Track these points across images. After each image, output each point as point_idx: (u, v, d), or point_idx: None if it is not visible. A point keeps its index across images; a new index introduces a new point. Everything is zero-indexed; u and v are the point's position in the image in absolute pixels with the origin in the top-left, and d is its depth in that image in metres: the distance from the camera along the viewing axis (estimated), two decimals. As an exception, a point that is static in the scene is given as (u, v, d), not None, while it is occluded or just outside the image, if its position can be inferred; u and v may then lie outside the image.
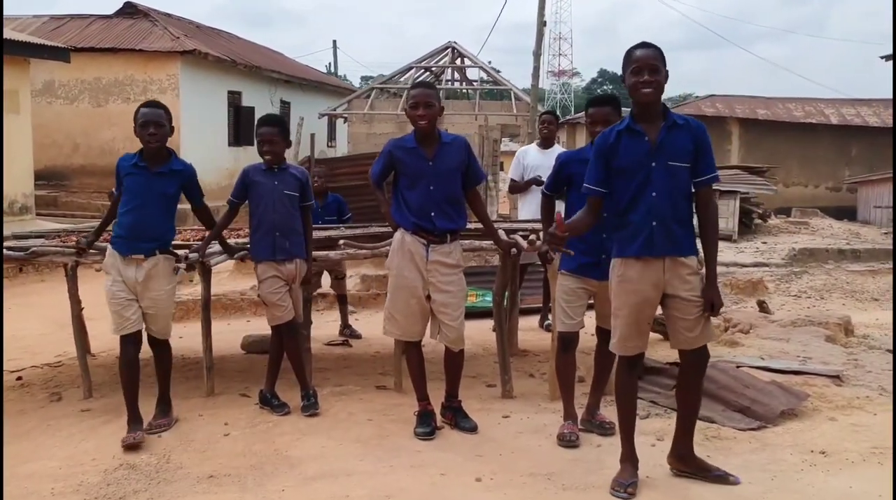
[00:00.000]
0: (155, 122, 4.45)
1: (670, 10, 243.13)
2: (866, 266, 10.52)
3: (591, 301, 4.60)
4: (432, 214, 4.38)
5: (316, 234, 5.42)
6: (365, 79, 56.59)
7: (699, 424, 4.48)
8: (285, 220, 4.86)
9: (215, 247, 5.16)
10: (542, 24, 22.15)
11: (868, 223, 19.03)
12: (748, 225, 13.82)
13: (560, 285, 4.53)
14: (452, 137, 4.55)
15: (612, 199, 3.67)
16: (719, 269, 10.64)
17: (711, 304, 3.58)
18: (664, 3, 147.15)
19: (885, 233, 13.95)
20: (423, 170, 4.39)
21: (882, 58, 17.21)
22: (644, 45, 3.59)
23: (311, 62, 42.49)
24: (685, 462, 3.79)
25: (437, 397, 4.65)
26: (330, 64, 42.58)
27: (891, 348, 6.17)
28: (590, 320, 4.65)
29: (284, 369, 5.04)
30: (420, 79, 23.19)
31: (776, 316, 7.22)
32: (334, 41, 42.95)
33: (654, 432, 4.47)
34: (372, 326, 7.93)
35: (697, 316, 3.60)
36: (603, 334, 4.60)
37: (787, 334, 6.38)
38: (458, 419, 4.57)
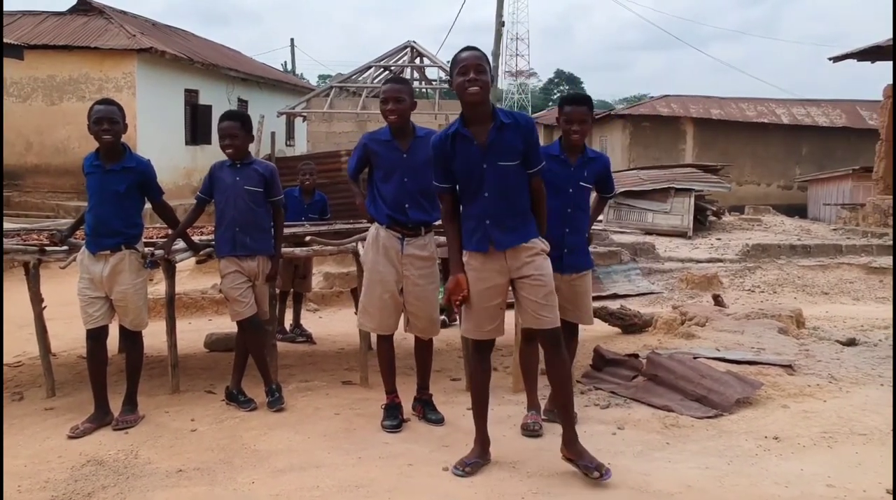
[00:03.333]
0: (108, 118, 4.47)
1: (626, 12, 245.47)
2: (816, 261, 10.84)
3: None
4: (406, 205, 4.46)
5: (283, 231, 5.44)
6: (322, 77, 56.33)
7: (659, 413, 4.66)
8: (245, 215, 4.89)
9: (181, 244, 5.17)
10: (500, 24, 22.31)
11: (818, 220, 19.53)
12: (703, 222, 14.12)
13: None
14: (426, 130, 4.62)
15: (460, 198, 3.85)
16: (675, 264, 10.82)
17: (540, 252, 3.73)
18: (620, 3, 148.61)
19: (834, 229, 14.35)
20: (397, 162, 4.47)
21: (830, 59, 17.61)
22: (469, 48, 3.76)
23: (268, 60, 42.28)
24: (566, 447, 3.83)
25: (402, 392, 4.71)
26: (287, 62, 42.35)
27: (839, 338, 6.39)
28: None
29: (250, 365, 5.07)
30: (379, 78, 23.22)
31: (731, 310, 7.42)
32: (292, 39, 42.86)
33: (615, 421, 4.59)
34: (335, 323, 7.99)
35: (546, 295, 3.78)
36: (566, 326, 4.70)
37: (742, 326, 6.56)
38: (426, 411, 4.66)
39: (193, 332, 7.30)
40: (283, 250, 5.29)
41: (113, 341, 4.94)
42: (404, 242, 4.48)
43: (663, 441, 4.27)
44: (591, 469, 3.70)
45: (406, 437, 4.40)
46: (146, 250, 4.81)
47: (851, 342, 6.30)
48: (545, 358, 3.96)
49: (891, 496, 3.47)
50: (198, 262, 5.88)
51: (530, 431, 4.37)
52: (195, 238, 5.37)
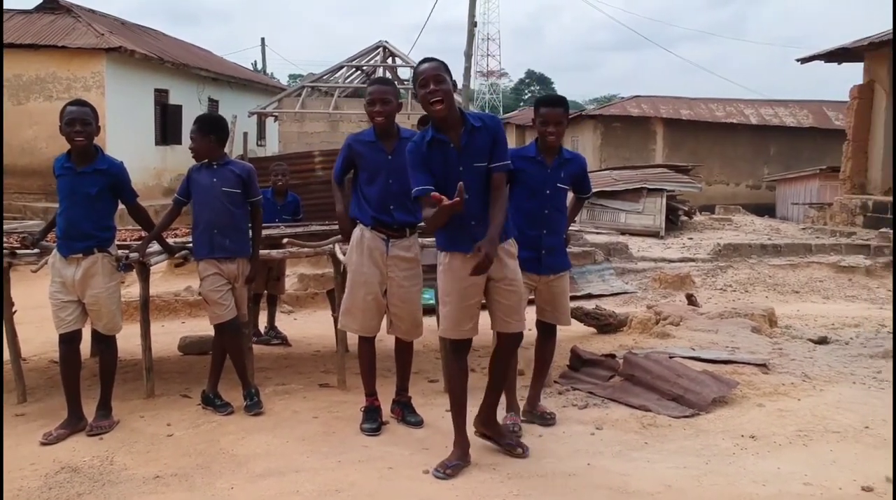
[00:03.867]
0: (81, 120, 4.41)
1: (596, 13, 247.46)
2: (787, 260, 10.98)
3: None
4: (391, 207, 4.45)
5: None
6: (293, 77, 56.02)
7: (636, 413, 4.70)
8: (223, 217, 4.85)
9: (155, 246, 5.10)
10: (472, 24, 22.36)
11: (787, 219, 19.79)
12: (675, 222, 14.25)
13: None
14: (411, 132, 4.63)
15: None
16: (648, 264, 10.85)
17: (479, 249, 3.65)
18: (590, 4, 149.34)
19: (803, 229, 14.54)
20: (382, 164, 4.46)
21: (798, 60, 17.86)
22: (427, 60, 3.86)
23: (239, 60, 41.80)
24: (486, 426, 4.10)
25: (380, 394, 4.69)
26: (257, 62, 42.03)
27: (811, 337, 6.48)
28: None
29: (225, 368, 5.02)
30: (351, 78, 23.15)
31: (704, 309, 7.49)
32: (262, 39, 42.25)
33: (593, 421, 4.61)
34: (311, 325, 7.94)
35: (517, 301, 3.94)
36: (543, 327, 4.73)
37: (716, 325, 6.63)
38: (405, 413, 4.64)
39: (167, 335, 7.21)
40: (260, 252, 5.24)
41: (85, 345, 4.86)
42: (389, 244, 4.47)
43: (641, 441, 4.30)
44: (513, 447, 4.04)
45: (385, 440, 4.39)
46: (120, 253, 4.75)
47: (823, 341, 6.39)
48: (496, 355, 4.07)
49: (868, 493, 3.53)
50: (176, 265, 5.80)
51: (511, 432, 4.37)
52: (169, 240, 5.31)
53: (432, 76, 3.74)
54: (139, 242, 5.01)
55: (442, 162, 3.79)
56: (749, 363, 5.37)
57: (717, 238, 12.94)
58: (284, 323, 7.75)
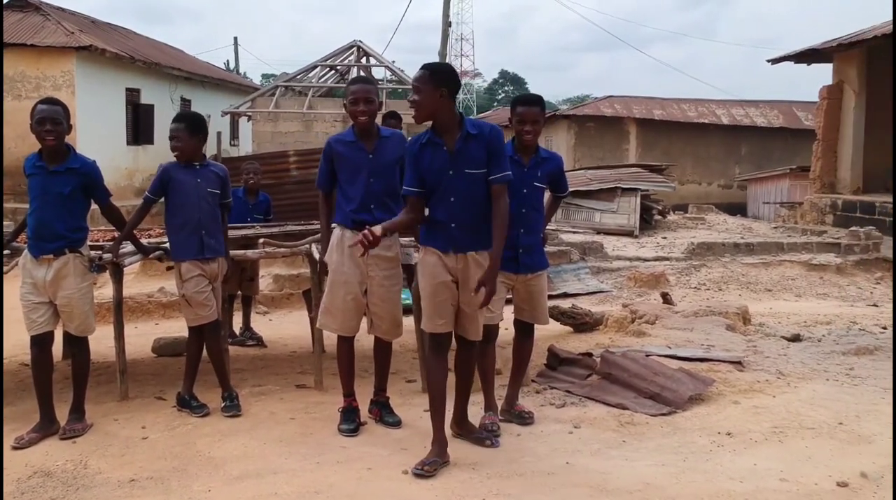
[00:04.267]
0: (52, 118, 4.34)
1: (569, 14, 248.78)
2: (759, 259, 11.08)
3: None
4: (372, 206, 4.43)
5: (232, 232, 5.35)
6: (266, 76, 55.66)
7: (614, 411, 4.71)
8: (210, 218, 4.82)
9: (128, 247, 5.03)
10: (447, 24, 22.39)
11: (758, 218, 20.01)
12: (648, 221, 14.34)
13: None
14: (390, 131, 4.63)
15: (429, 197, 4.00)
16: (623, 263, 10.92)
17: (481, 284, 3.81)
18: (564, 5, 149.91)
19: (775, 227, 14.69)
20: (363, 163, 4.44)
21: (768, 61, 18.05)
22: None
23: (211, 59, 41.59)
24: (459, 426, 4.26)
25: (357, 394, 4.66)
26: (230, 61, 41.77)
27: (785, 334, 6.54)
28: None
29: (201, 370, 4.97)
30: (325, 78, 23.05)
31: (679, 307, 7.54)
32: (235, 38, 42.20)
33: (571, 420, 4.62)
34: (286, 326, 7.88)
35: (481, 310, 4.00)
36: (521, 326, 4.73)
37: (691, 323, 6.67)
38: (383, 413, 4.62)
39: (140, 336, 7.13)
40: (236, 252, 5.21)
41: (57, 347, 4.78)
42: None
43: (619, 439, 4.32)
44: (482, 439, 4.20)
45: (364, 440, 4.36)
46: (93, 253, 4.68)
47: (796, 338, 6.45)
48: (456, 357, 4.16)
49: (843, 489, 3.57)
50: (168, 268, 5.71)
51: (489, 431, 4.37)
52: (144, 241, 5.24)
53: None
54: (112, 243, 4.94)
55: (433, 164, 3.89)
56: (724, 361, 5.41)
57: (690, 237, 13.04)
58: (260, 324, 7.69)
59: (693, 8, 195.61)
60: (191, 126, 4.83)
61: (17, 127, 15.30)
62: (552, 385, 5.26)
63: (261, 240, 5.33)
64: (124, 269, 5.21)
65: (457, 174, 3.88)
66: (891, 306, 8.32)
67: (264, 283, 9.31)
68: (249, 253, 5.29)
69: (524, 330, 4.74)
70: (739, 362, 5.41)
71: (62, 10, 19.98)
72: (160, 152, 5.05)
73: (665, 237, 13.23)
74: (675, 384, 4.86)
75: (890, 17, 13.43)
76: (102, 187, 4.63)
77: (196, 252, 4.78)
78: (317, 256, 4.99)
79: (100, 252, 4.78)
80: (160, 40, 26.84)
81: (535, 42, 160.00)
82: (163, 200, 4.84)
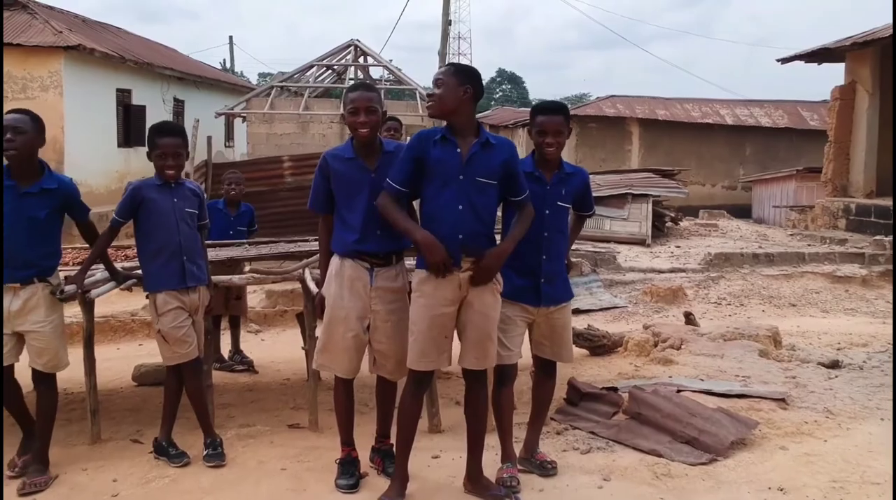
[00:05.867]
0: (13, 127, 3.84)
1: (568, 12, 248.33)
2: (780, 270, 10.51)
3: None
4: (379, 232, 3.81)
5: (216, 253, 4.81)
6: (263, 76, 55.12)
7: (647, 459, 4.18)
8: (191, 242, 4.27)
9: (97, 274, 4.47)
10: (447, 23, 21.86)
11: (762, 221, 19.47)
12: (661, 228, 13.75)
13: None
14: (395, 144, 4.00)
15: (423, 205, 3.68)
16: (637, 275, 10.32)
17: (480, 264, 3.56)
18: (565, 1, 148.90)
19: (791, 235, 14.13)
20: (364, 183, 3.81)
21: (778, 60, 17.52)
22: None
23: (206, 59, 41.07)
24: (473, 483, 3.79)
25: (358, 436, 4.11)
26: (225, 60, 41.23)
27: (822, 360, 6.01)
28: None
29: (182, 407, 4.42)
30: (322, 77, 22.51)
31: (704, 328, 6.97)
32: (230, 37, 41.47)
33: (599, 470, 4.08)
34: (279, 347, 7.35)
35: (490, 333, 3.66)
36: (542, 364, 4.20)
37: (720, 349, 6.14)
38: (386, 464, 4.03)
39: (122, 360, 6.60)
40: (220, 278, 4.65)
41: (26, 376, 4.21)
42: (374, 274, 3.85)
43: (657, 496, 3.78)
44: (500, 497, 3.70)
45: (364, 497, 3.82)
46: (62, 277, 4.15)
47: (835, 364, 5.92)
48: (466, 398, 3.81)
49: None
50: (147, 296, 5.11)
51: (508, 487, 3.82)
52: (118, 265, 4.69)
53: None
54: (76, 272, 4.35)
55: (443, 163, 3.56)
56: (766, 398, 4.86)
57: (705, 246, 12.46)
58: (251, 344, 7.16)
59: (690, 6, 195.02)
60: (187, 141, 4.35)
61: (1, 130, 14.80)
62: (574, 424, 4.72)
63: (247, 267, 4.77)
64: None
65: (467, 180, 3.54)
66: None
67: (256, 298, 8.78)
68: (235, 279, 4.74)
69: (545, 369, 4.20)
70: (783, 399, 4.86)
71: (51, 8, 19.42)
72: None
73: (679, 246, 12.63)
74: (715, 427, 4.32)
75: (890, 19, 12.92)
76: (80, 204, 4.15)
77: (178, 281, 4.21)
78: (311, 285, 4.43)
79: (63, 281, 4.21)
80: (155, 40, 26.31)
81: (533, 40, 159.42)
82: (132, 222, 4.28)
